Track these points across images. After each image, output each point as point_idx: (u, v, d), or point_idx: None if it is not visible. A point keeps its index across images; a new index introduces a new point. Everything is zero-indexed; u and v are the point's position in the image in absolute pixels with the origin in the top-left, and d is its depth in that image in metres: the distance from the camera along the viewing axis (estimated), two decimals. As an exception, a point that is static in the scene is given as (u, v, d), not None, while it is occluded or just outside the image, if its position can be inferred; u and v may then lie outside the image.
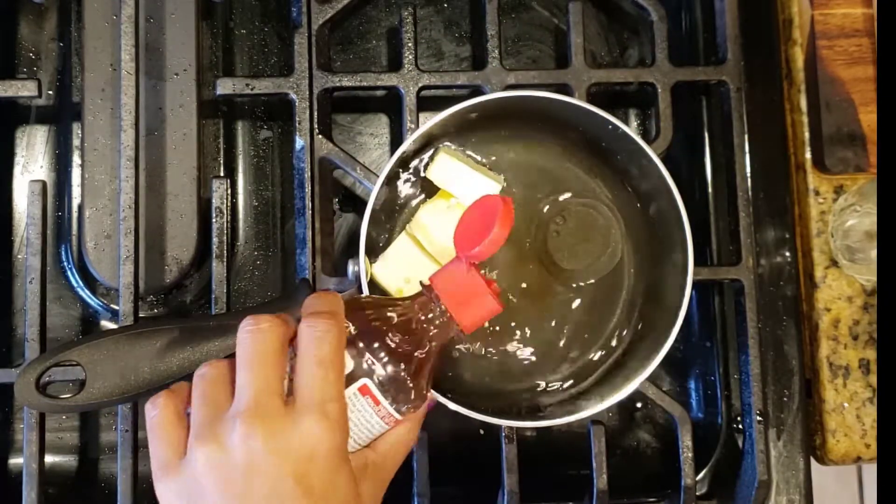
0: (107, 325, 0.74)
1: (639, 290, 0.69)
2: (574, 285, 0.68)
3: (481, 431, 0.73)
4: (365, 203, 0.63)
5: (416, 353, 0.54)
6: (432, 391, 0.60)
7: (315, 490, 0.49)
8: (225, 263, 0.66)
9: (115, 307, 0.71)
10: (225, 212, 0.67)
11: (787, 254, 0.73)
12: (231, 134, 0.76)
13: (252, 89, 0.69)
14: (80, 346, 0.57)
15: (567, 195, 0.68)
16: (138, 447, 0.64)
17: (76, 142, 0.73)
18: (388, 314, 0.55)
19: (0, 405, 0.73)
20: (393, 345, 0.53)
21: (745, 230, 0.70)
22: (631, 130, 0.64)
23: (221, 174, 0.75)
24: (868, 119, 0.74)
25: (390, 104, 0.77)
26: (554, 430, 0.74)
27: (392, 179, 0.66)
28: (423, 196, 0.67)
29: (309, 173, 0.68)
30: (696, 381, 0.76)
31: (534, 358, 0.67)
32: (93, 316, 0.74)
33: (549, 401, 0.67)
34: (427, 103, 0.71)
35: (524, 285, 0.68)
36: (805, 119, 0.75)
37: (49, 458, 0.71)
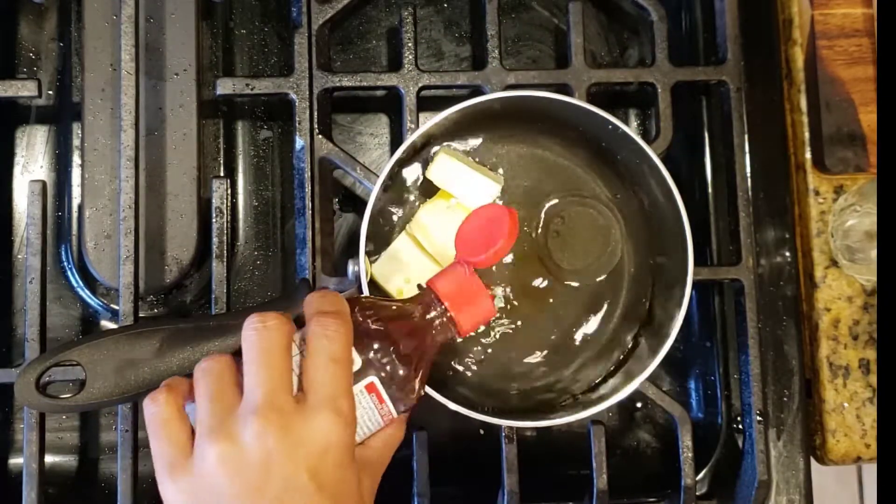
0: (107, 325, 0.74)
1: (638, 289, 0.69)
2: (574, 285, 0.68)
3: (481, 431, 0.73)
4: (365, 203, 0.63)
5: (416, 353, 0.55)
6: (433, 392, 0.60)
7: (327, 485, 0.50)
8: (225, 263, 0.66)
9: (115, 307, 0.71)
10: (225, 212, 0.67)
11: (787, 254, 0.73)
12: (231, 134, 0.76)
13: (252, 89, 0.69)
14: (80, 346, 0.56)
15: (567, 195, 0.68)
16: (138, 447, 0.64)
17: (76, 142, 0.73)
18: (390, 314, 0.55)
19: (0, 405, 0.73)
20: (396, 345, 0.54)
21: (745, 230, 0.70)
22: (631, 130, 0.64)
23: (221, 174, 0.75)
24: (868, 119, 0.74)
25: (390, 104, 0.77)
26: (554, 430, 0.74)
27: (392, 179, 0.66)
28: (422, 196, 0.67)
29: (309, 173, 0.68)
30: (696, 381, 0.76)
31: (533, 358, 0.67)
32: (93, 316, 0.74)
33: (549, 400, 0.67)
34: (427, 103, 0.71)
35: (524, 285, 0.68)
36: (805, 119, 0.75)
37: (49, 458, 0.71)
